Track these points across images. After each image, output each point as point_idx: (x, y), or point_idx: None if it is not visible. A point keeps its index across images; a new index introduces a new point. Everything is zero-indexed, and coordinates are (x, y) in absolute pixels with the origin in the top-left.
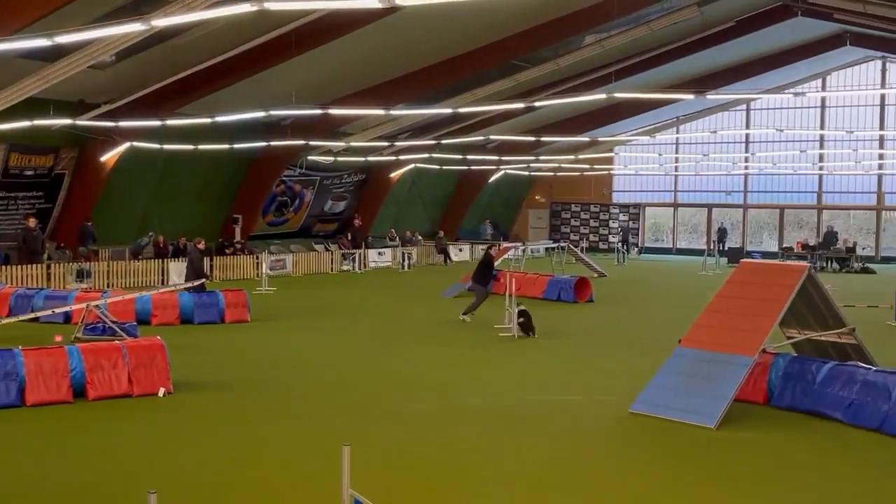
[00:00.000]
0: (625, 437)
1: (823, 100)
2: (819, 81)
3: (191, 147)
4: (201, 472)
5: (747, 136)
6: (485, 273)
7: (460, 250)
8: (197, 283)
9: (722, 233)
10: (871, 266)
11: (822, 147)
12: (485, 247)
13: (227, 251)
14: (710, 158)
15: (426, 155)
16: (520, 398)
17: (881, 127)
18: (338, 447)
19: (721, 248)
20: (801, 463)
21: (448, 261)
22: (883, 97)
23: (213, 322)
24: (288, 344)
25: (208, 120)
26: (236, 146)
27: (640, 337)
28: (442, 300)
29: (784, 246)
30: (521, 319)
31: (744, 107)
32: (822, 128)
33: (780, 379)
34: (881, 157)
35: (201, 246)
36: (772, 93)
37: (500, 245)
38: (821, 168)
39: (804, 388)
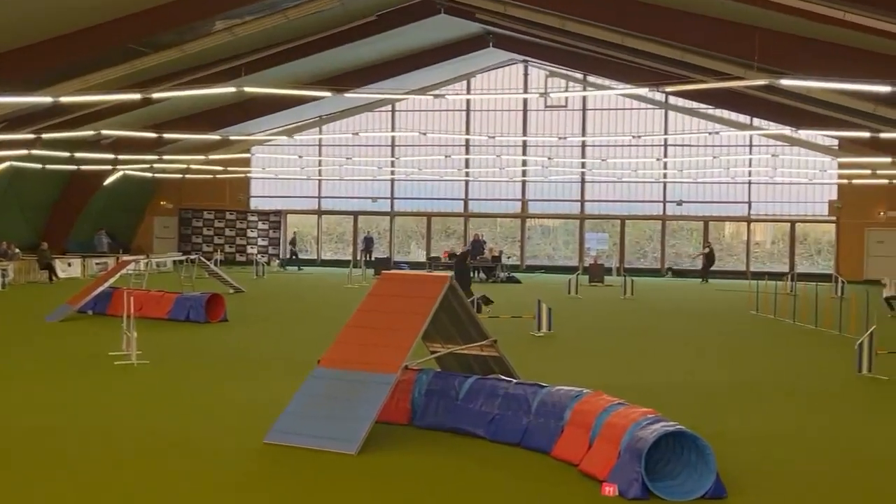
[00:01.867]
0: (257, 472)
1: (468, 103)
2: (464, 83)
3: None
4: None
5: (393, 139)
6: (463, 277)
7: (69, 265)
8: None
9: (368, 242)
10: (516, 275)
11: (467, 152)
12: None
13: None
14: (354, 162)
15: (24, 151)
16: (133, 435)
17: (524, 132)
18: None
19: (368, 258)
20: (441, 485)
21: (54, 277)
22: (525, 102)
23: None
24: None
25: None
26: None
27: (279, 359)
28: (47, 325)
29: (431, 256)
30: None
31: (389, 108)
32: (467, 132)
33: (424, 396)
34: (524, 163)
35: None
36: (415, 94)
37: (118, 258)
38: (466, 174)
39: (447, 405)
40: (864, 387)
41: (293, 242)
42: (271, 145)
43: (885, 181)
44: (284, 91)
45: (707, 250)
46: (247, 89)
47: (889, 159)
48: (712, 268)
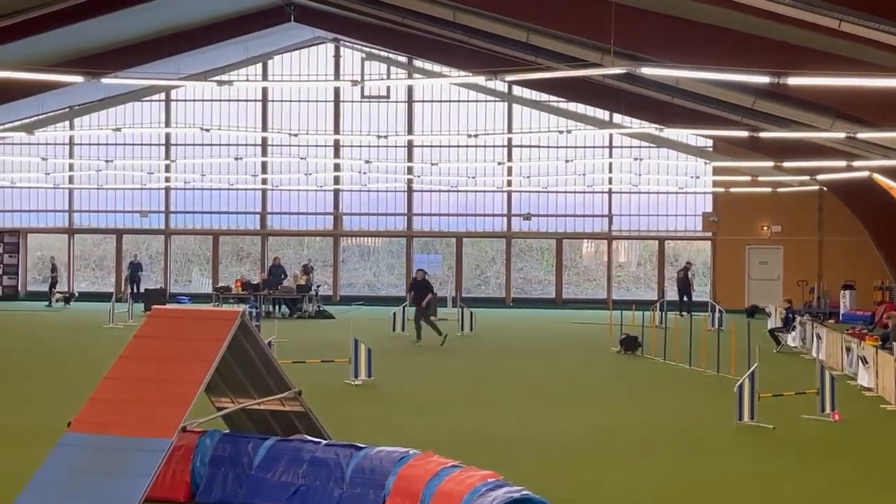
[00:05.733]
0: None
1: (264, 92)
2: (259, 67)
3: None
4: None
5: (167, 136)
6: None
7: None
8: None
9: (135, 269)
10: (329, 309)
11: (264, 154)
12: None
13: None
14: (116, 166)
15: None
16: None
17: (336, 130)
18: None
19: (135, 290)
20: None
21: None
22: (337, 91)
23: None
24: None
25: None
26: None
27: (19, 422)
28: None
29: (220, 285)
30: None
31: (162, 97)
32: (263, 128)
33: (208, 465)
34: (337, 168)
35: None
36: (195, 79)
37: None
38: (264, 181)
39: (239, 476)
40: (745, 437)
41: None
42: (5, 144)
43: (768, 189)
44: (21, 74)
45: (682, 274)
46: None
47: (771, 163)
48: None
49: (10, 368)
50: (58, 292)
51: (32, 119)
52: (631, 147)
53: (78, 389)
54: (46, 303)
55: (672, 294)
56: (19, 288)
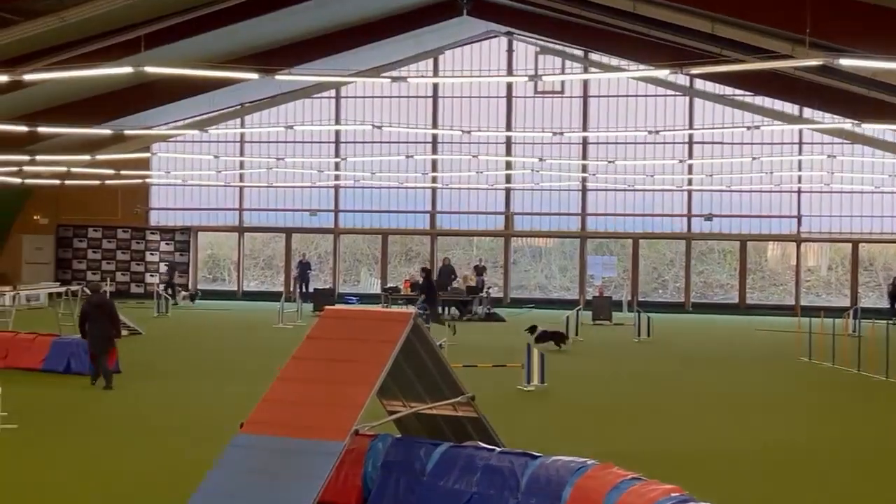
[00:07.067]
0: None
1: (435, 87)
2: (430, 62)
3: None
4: None
5: (337, 133)
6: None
7: None
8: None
9: (304, 268)
10: (499, 311)
11: (434, 151)
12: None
13: None
14: (287, 164)
15: None
16: None
17: (508, 126)
18: None
19: (304, 289)
20: None
21: None
22: (510, 87)
23: None
24: None
25: None
26: None
27: (191, 421)
28: None
29: (388, 286)
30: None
31: (332, 94)
32: (434, 125)
33: (380, 470)
34: (509, 166)
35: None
36: (367, 76)
37: None
38: (434, 180)
39: (410, 482)
40: None
41: (173, 269)
42: (178, 142)
43: None
44: (196, 72)
45: None
46: (147, 69)
47: None
48: None
49: (182, 367)
50: (182, 290)
51: (204, 116)
52: (823, 143)
53: (249, 389)
54: (173, 301)
55: (867, 301)
56: (189, 285)
